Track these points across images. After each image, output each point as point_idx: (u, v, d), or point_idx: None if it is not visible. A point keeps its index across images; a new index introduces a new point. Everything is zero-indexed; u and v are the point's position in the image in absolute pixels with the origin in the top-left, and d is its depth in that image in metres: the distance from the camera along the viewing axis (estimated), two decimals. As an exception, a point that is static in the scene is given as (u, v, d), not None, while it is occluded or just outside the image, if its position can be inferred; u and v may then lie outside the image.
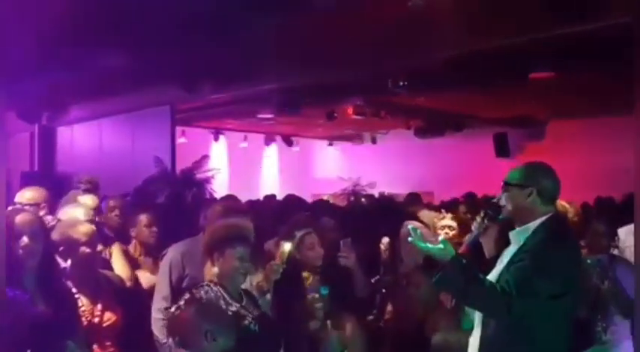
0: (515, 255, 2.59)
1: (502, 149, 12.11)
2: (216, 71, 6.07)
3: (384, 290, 4.31)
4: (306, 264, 3.43)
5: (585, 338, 3.71)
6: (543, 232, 2.57)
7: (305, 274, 3.40)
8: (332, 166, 14.56)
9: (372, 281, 4.28)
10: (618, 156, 9.86)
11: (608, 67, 6.86)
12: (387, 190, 9.08)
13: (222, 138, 13.67)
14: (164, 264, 3.78)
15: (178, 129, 9.51)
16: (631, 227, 4.89)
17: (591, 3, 3.86)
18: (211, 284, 2.88)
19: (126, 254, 4.13)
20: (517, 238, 2.64)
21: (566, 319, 2.57)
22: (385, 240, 4.60)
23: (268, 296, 3.12)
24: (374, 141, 14.65)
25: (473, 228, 2.84)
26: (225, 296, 2.85)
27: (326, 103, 9.45)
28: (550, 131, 11.88)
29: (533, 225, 2.61)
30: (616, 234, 4.30)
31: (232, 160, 13.89)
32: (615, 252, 4.21)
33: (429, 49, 4.91)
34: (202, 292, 2.82)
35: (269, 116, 10.73)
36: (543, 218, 2.61)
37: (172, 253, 3.79)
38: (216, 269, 2.92)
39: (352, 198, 9.85)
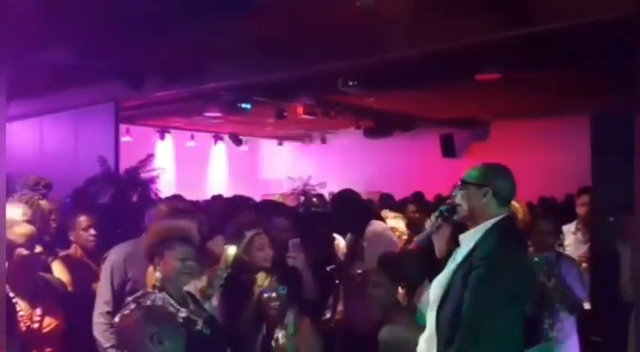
0: (467, 257, 2.59)
1: (448, 150, 12.32)
2: (162, 68, 5.95)
3: (337, 281, 4.30)
4: (254, 265, 3.34)
5: (532, 335, 3.76)
6: (495, 235, 2.58)
7: (262, 275, 3.32)
8: (281, 166, 14.49)
9: (328, 269, 4.24)
10: (561, 156, 10.19)
11: (555, 68, 7.06)
12: (337, 190, 9.07)
13: (168, 136, 13.38)
14: (105, 268, 3.65)
15: (123, 127, 9.26)
16: (570, 226, 5.07)
17: (536, 6, 3.94)
18: (156, 291, 2.78)
19: (69, 259, 3.99)
20: (467, 240, 2.65)
21: (518, 320, 2.58)
22: (340, 239, 4.59)
23: (214, 301, 3.04)
24: (324, 140, 14.68)
25: (426, 225, 2.83)
26: (172, 302, 2.76)
27: (275, 102, 9.39)
28: (494, 131, 12.15)
29: (485, 226, 2.62)
30: (561, 232, 4.40)
31: (179, 160, 13.65)
32: (560, 249, 4.30)
33: (378, 49, 4.93)
34: (149, 301, 2.72)
35: (217, 114, 10.58)
36: (496, 219, 2.62)
37: (114, 256, 3.66)
38: (158, 274, 2.81)
39: (302, 198, 9.80)
